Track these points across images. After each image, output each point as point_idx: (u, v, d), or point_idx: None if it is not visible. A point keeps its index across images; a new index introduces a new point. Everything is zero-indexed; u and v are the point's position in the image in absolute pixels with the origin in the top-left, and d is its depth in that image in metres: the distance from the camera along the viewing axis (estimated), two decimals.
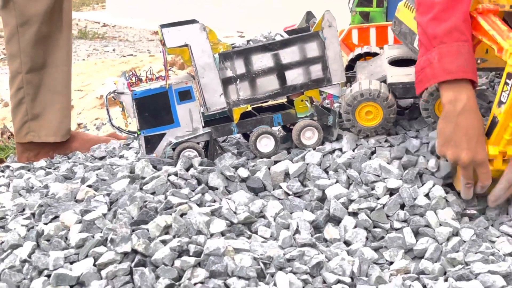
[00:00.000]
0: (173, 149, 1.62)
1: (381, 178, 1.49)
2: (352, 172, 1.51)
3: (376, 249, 1.37)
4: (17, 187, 1.65)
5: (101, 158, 1.86)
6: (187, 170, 1.53)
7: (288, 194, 1.52)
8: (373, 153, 1.58)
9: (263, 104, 1.74)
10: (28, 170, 1.85)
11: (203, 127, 1.63)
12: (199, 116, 1.63)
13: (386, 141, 1.62)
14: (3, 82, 3.53)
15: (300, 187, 1.52)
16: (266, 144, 1.64)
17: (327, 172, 1.55)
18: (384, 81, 1.64)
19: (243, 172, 1.53)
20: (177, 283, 1.18)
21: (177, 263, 1.21)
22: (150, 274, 1.19)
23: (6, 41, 2.03)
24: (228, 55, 1.61)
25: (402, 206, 1.44)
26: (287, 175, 1.55)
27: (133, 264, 1.22)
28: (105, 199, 1.43)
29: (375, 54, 1.89)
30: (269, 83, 1.64)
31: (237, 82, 1.62)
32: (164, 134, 1.62)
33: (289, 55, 1.63)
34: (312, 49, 1.64)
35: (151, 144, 1.62)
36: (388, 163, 1.52)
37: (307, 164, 1.56)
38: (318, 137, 1.65)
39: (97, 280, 1.20)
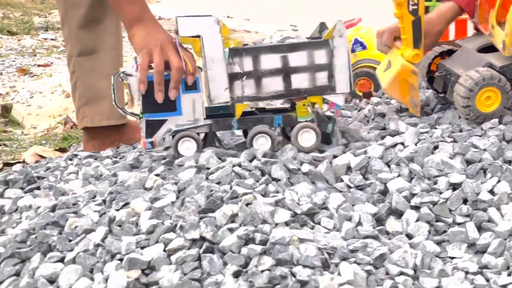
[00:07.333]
0: (172, 136, 1.65)
1: (443, 173, 1.49)
2: (414, 166, 1.52)
3: (438, 243, 1.39)
4: (86, 175, 1.72)
5: (166, 149, 1.91)
6: (251, 161, 1.57)
7: (350, 187, 1.54)
8: (435, 147, 1.58)
9: (266, 107, 1.76)
10: (96, 159, 1.91)
11: (204, 119, 1.66)
12: (201, 107, 1.66)
13: (449, 136, 1.62)
14: (65, 74, 3.63)
15: (362, 180, 1.53)
16: (262, 143, 1.66)
17: (389, 166, 1.56)
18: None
19: (305, 167, 1.55)
20: (244, 270, 1.22)
21: (244, 250, 1.25)
22: (218, 260, 1.23)
23: (61, 26, 2.12)
24: (237, 51, 1.64)
25: (465, 201, 1.44)
26: (349, 168, 1.57)
27: (201, 251, 1.26)
28: (173, 187, 1.47)
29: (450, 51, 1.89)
30: (274, 84, 1.66)
31: (243, 78, 1.65)
32: (165, 120, 1.65)
33: (297, 59, 1.65)
34: (320, 56, 1.65)
35: (151, 128, 1.65)
36: (450, 158, 1.53)
37: (369, 158, 1.57)
38: (316, 140, 1.66)
39: (167, 265, 1.24)
